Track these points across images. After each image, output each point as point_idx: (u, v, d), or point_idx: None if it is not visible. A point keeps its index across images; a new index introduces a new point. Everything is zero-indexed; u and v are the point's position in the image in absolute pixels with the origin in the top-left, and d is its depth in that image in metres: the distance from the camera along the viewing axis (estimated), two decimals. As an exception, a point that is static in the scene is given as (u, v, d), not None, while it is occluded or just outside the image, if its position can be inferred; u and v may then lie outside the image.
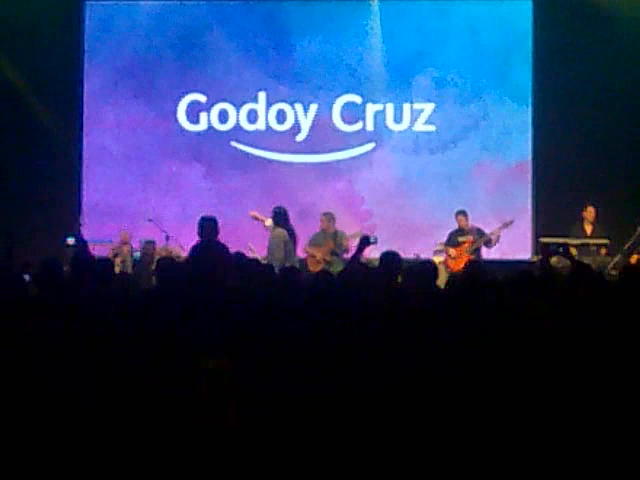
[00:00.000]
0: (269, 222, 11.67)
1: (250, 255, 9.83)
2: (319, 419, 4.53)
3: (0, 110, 13.91)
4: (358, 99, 14.18)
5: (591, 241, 12.44)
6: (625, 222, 12.56)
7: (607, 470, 4.44)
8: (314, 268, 11.95)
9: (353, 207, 14.05)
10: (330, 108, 14.16)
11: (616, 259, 12.01)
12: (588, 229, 12.76)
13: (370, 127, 14.19)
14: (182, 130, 14.34)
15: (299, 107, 14.23)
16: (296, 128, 14.24)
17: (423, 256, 12.51)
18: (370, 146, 14.20)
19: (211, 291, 6.37)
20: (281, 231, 11.47)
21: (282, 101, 14.23)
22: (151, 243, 12.89)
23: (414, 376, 4.80)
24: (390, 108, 14.16)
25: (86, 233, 13.32)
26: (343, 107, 14.18)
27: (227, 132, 14.30)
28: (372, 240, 8.27)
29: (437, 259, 12.83)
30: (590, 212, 12.79)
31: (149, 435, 4.33)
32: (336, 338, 5.09)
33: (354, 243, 12.10)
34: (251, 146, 14.29)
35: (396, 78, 14.11)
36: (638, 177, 13.34)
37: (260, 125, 14.29)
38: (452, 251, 12.66)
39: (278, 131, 14.25)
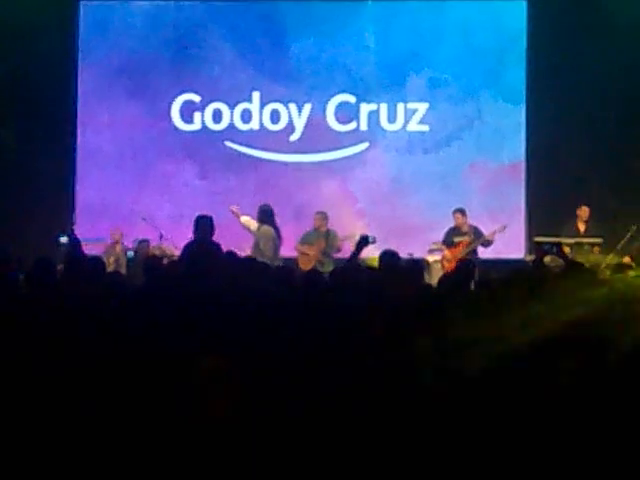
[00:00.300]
0: (245, 219, 11.67)
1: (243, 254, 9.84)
2: (316, 418, 4.53)
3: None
4: (352, 99, 14.18)
5: (584, 240, 12.48)
6: (618, 221, 12.59)
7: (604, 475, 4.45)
8: (305, 266, 11.95)
9: (347, 206, 14.05)
10: (324, 108, 14.17)
11: (609, 258, 12.03)
12: (581, 227, 12.80)
13: (364, 127, 14.19)
14: (176, 130, 14.34)
15: (293, 107, 14.24)
16: (290, 128, 14.24)
17: (417, 255, 12.54)
18: (364, 146, 14.21)
19: (203, 289, 6.36)
20: (269, 229, 11.49)
21: (276, 101, 14.23)
22: (145, 242, 12.88)
23: (407, 376, 4.80)
24: (384, 108, 14.17)
25: (79, 232, 13.28)
26: (337, 107, 14.18)
27: (221, 132, 14.31)
28: (371, 240, 8.28)
29: (431, 258, 12.87)
30: (584, 211, 12.83)
31: (143, 433, 4.33)
32: (331, 337, 5.10)
33: (348, 245, 12.15)
34: (245, 146, 14.29)
35: (390, 78, 14.12)
36: (632, 177, 13.36)
37: (254, 125, 14.30)
38: (447, 253, 12.68)
39: (272, 131, 14.26)
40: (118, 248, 13.04)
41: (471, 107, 14.06)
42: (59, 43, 14.00)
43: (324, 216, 12.79)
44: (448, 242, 12.83)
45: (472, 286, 8.06)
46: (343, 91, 14.20)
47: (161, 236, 12.71)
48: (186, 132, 14.34)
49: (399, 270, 6.64)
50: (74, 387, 4.67)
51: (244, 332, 5.32)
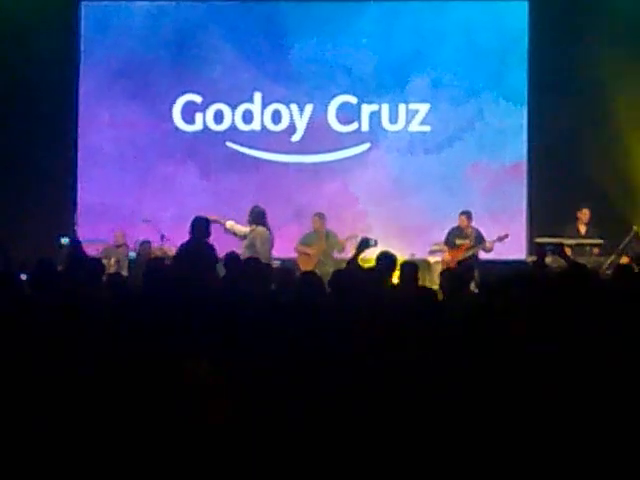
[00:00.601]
0: (230, 224, 11.61)
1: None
2: (314, 420, 4.53)
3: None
4: (353, 99, 14.18)
5: (585, 241, 12.47)
6: (619, 222, 12.59)
7: (605, 472, 4.45)
8: (306, 267, 11.96)
9: (348, 207, 14.04)
10: (325, 108, 14.16)
11: (610, 259, 12.04)
12: (582, 229, 12.79)
13: (365, 127, 14.19)
14: (177, 130, 14.34)
15: (294, 107, 14.23)
16: (291, 128, 14.23)
17: (418, 256, 12.55)
18: (365, 146, 14.20)
19: (195, 290, 6.36)
20: (264, 230, 11.46)
21: (277, 101, 14.22)
22: (147, 243, 12.88)
23: (405, 378, 4.80)
24: (385, 108, 14.16)
25: (81, 233, 13.32)
26: (338, 107, 14.17)
27: (222, 132, 14.30)
28: (372, 243, 8.28)
29: (432, 259, 12.87)
30: (585, 213, 12.82)
31: (135, 433, 4.34)
32: (330, 338, 5.10)
33: (349, 245, 12.16)
34: (246, 146, 14.28)
35: (391, 78, 14.11)
36: (633, 178, 13.35)
37: (255, 125, 14.29)
38: (447, 256, 12.67)
39: (273, 131, 14.25)
40: (120, 250, 13.04)
41: (473, 108, 14.05)
42: (60, 44, 13.99)
43: (322, 217, 12.80)
44: (449, 242, 12.82)
45: (473, 287, 8.08)
46: (344, 92, 14.19)
47: (162, 237, 12.69)
48: (187, 133, 14.34)
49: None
50: (74, 387, 4.67)
51: (241, 334, 5.32)
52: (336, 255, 12.54)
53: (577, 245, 12.25)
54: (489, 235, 12.79)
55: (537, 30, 13.78)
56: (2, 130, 13.79)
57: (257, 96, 14.24)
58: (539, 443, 4.47)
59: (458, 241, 12.78)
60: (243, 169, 14.23)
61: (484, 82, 14.02)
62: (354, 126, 14.19)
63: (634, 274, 7.21)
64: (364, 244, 8.18)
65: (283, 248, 12.86)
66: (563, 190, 13.31)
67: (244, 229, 11.63)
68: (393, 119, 14.15)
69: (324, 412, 4.56)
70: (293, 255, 12.68)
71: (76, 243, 10.29)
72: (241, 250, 10.80)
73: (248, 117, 14.26)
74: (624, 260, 11.88)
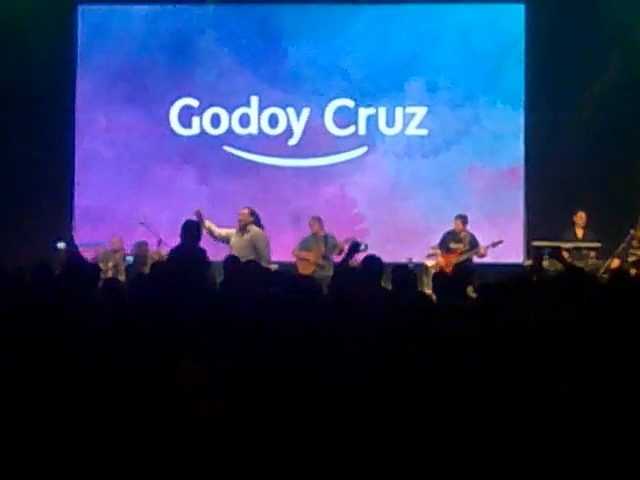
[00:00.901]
0: (209, 224, 11.49)
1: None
2: (304, 424, 4.52)
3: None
4: (350, 103, 14.18)
5: (583, 244, 12.48)
6: (617, 226, 12.59)
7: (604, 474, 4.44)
8: (305, 271, 11.95)
9: (345, 211, 14.06)
10: (322, 112, 14.17)
11: (608, 263, 12.04)
12: (579, 233, 12.79)
13: (362, 131, 14.19)
14: (174, 134, 14.34)
15: (291, 111, 14.23)
16: (288, 132, 14.24)
17: (416, 260, 12.55)
18: (362, 150, 14.20)
19: (186, 294, 6.34)
20: (262, 231, 11.44)
21: (274, 105, 14.23)
22: (143, 244, 12.90)
23: (401, 381, 4.79)
24: (382, 112, 14.17)
25: (78, 237, 13.31)
26: (335, 111, 14.18)
27: (219, 136, 14.31)
28: (362, 247, 8.27)
29: (430, 263, 12.86)
30: (581, 217, 12.83)
31: (130, 435, 4.34)
32: (323, 342, 5.09)
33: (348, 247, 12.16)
34: (243, 150, 14.29)
35: (388, 82, 14.12)
36: (631, 181, 13.36)
37: (252, 129, 14.29)
38: (441, 260, 12.68)
39: (270, 135, 14.25)
40: (117, 254, 13.03)
41: (470, 111, 14.06)
42: (57, 47, 13.99)
43: (319, 221, 12.79)
44: (443, 246, 12.81)
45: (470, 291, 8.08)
46: (341, 95, 14.19)
47: (160, 241, 12.68)
48: (184, 137, 14.34)
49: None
50: (69, 390, 4.67)
51: (237, 336, 5.31)
52: (335, 258, 12.53)
53: (574, 249, 12.25)
54: (485, 239, 12.80)
55: (534, 33, 13.79)
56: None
57: (254, 100, 14.24)
58: (537, 447, 4.47)
59: (452, 245, 12.78)
60: (240, 173, 14.23)
61: (481, 85, 14.04)
62: (351, 130, 14.19)
63: (630, 277, 7.21)
64: (354, 248, 8.17)
65: (281, 252, 12.86)
66: (560, 194, 13.31)
67: (224, 231, 11.54)
68: (390, 122, 14.16)
69: (321, 415, 4.55)
70: (290, 259, 12.67)
71: (72, 247, 10.29)
72: (241, 252, 10.74)
73: (245, 121, 14.26)
74: (615, 263, 11.91)
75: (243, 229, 11.43)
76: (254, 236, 11.34)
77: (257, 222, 11.50)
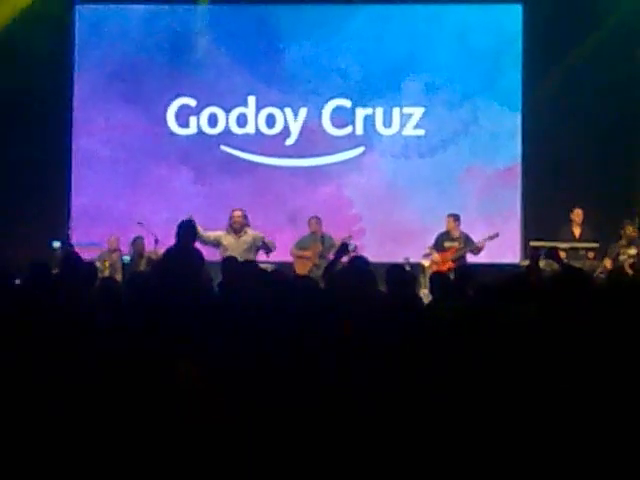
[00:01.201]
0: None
1: None
2: (301, 424, 4.53)
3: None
4: (348, 103, 14.18)
5: (580, 245, 12.48)
6: (614, 225, 12.60)
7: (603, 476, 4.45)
8: (302, 270, 11.96)
9: (342, 211, 14.06)
10: (320, 112, 14.17)
11: (603, 263, 12.05)
12: (577, 231, 12.79)
13: (360, 131, 14.19)
14: (172, 134, 14.33)
15: (289, 111, 14.23)
16: (286, 132, 14.24)
17: (412, 260, 12.55)
18: (359, 150, 14.20)
19: (182, 294, 6.34)
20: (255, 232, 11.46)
21: (272, 105, 14.23)
22: (139, 239, 12.91)
23: (399, 382, 4.79)
24: (379, 112, 14.17)
25: (75, 237, 13.33)
26: (333, 111, 14.18)
27: (217, 136, 14.30)
28: (351, 248, 8.26)
29: (426, 263, 12.86)
30: (578, 214, 12.83)
31: (127, 435, 4.34)
32: (320, 341, 5.09)
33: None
34: (241, 150, 14.28)
35: (385, 82, 14.12)
36: (628, 180, 13.37)
37: (250, 129, 14.29)
38: (436, 257, 12.66)
39: (268, 135, 14.25)
40: (114, 254, 13.03)
41: (467, 111, 14.06)
42: (55, 47, 13.97)
43: (318, 220, 12.81)
44: (438, 247, 12.81)
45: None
46: (339, 95, 14.19)
47: (156, 241, 12.67)
48: (181, 136, 14.34)
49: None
50: (67, 390, 4.67)
51: (233, 337, 5.32)
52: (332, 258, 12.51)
53: (571, 249, 12.26)
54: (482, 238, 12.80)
55: (531, 33, 13.80)
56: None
57: (251, 100, 14.24)
58: (535, 447, 4.47)
59: (447, 244, 12.76)
60: (237, 173, 14.22)
61: (478, 86, 14.04)
62: (348, 130, 14.19)
63: (628, 278, 7.22)
64: (343, 249, 8.18)
65: (277, 252, 12.85)
66: (557, 194, 13.32)
67: (212, 234, 11.47)
68: (387, 123, 14.16)
69: (318, 415, 4.55)
70: (287, 259, 12.67)
71: (68, 246, 10.29)
72: (242, 254, 10.73)
73: (242, 121, 14.26)
74: (608, 263, 11.92)
75: (239, 231, 11.41)
76: (257, 238, 11.37)
77: (248, 223, 11.53)
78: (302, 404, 4.58)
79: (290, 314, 5.53)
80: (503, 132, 14.01)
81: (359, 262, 7.17)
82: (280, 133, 14.24)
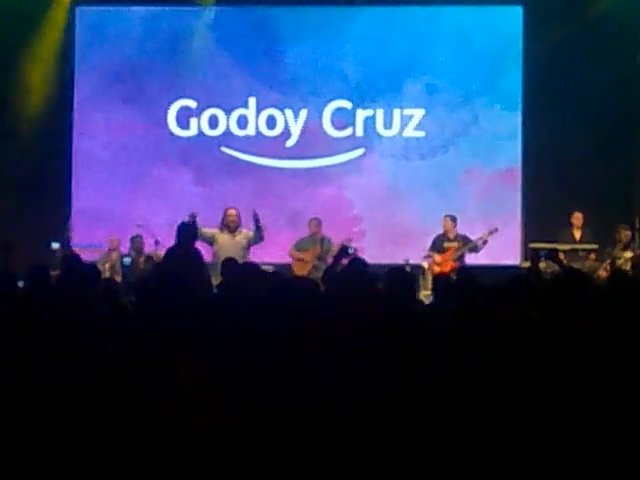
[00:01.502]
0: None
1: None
2: (301, 427, 4.52)
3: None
4: (348, 105, 14.18)
5: (580, 246, 12.49)
6: (615, 227, 12.60)
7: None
8: (300, 272, 11.97)
9: (343, 212, 14.06)
10: (320, 114, 14.16)
11: (605, 264, 12.06)
12: (577, 234, 12.80)
13: (360, 133, 14.19)
14: (172, 135, 14.33)
15: (289, 113, 14.23)
16: (286, 133, 14.24)
17: (412, 261, 12.54)
18: (360, 152, 14.20)
19: (183, 295, 6.34)
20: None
21: (272, 107, 14.22)
22: (138, 237, 12.96)
23: (400, 383, 4.79)
24: (380, 114, 14.17)
25: (75, 238, 13.32)
26: (333, 113, 14.18)
27: (217, 137, 14.30)
28: (350, 251, 8.28)
29: (427, 264, 12.85)
30: (577, 218, 12.84)
31: (127, 439, 4.34)
32: (319, 342, 5.09)
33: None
34: (241, 151, 14.28)
35: (386, 84, 14.12)
36: (628, 182, 13.37)
37: (250, 131, 14.29)
38: (437, 257, 12.67)
39: (268, 136, 14.25)
40: (114, 255, 13.03)
41: (467, 113, 14.06)
42: (55, 48, 13.98)
43: (318, 222, 12.81)
44: (437, 248, 12.81)
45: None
46: (339, 97, 14.19)
47: (157, 242, 12.68)
48: (182, 138, 14.34)
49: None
50: (68, 392, 4.67)
51: (233, 339, 5.31)
52: (330, 260, 12.51)
53: (571, 250, 12.26)
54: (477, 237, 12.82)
55: (531, 35, 13.79)
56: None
57: (252, 101, 14.24)
58: (535, 447, 4.47)
59: (446, 244, 12.77)
60: (238, 174, 14.22)
61: (479, 87, 14.04)
62: (349, 131, 14.19)
63: (629, 279, 7.21)
64: (343, 252, 8.19)
65: (277, 253, 12.87)
66: (557, 195, 13.31)
67: (209, 231, 11.47)
68: (388, 124, 14.16)
69: (318, 416, 4.55)
70: (286, 260, 12.67)
71: (67, 248, 10.29)
72: (237, 253, 10.72)
73: (243, 122, 14.26)
74: (607, 266, 11.93)
75: (234, 230, 11.40)
76: (249, 236, 11.38)
77: (241, 223, 11.55)
78: (302, 405, 4.58)
79: (290, 315, 5.53)
80: (503, 134, 14.01)
81: (357, 264, 7.17)
82: (280, 134, 14.23)
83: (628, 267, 11.80)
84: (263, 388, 4.67)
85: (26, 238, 13.01)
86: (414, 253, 12.90)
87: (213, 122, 14.28)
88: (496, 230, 12.67)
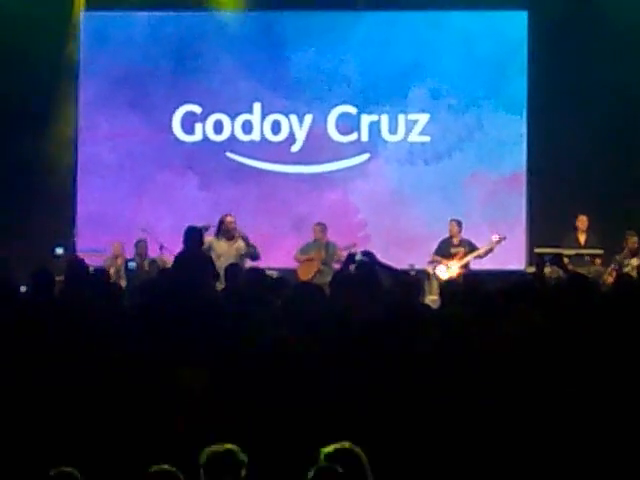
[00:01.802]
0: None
1: None
2: (302, 428, 4.53)
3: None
4: (353, 110, 14.18)
5: (585, 251, 12.46)
6: (620, 231, 12.58)
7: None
8: (305, 276, 11.97)
9: (348, 217, 14.04)
10: (325, 119, 14.16)
11: (610, 269, 12.03)
12: (582, 238, 12.77)
13: (365, 138, 14.19)
14: (177, 141, 14.33)
15: (294, 118, 14.22)
16: (291, 139, 14.23)
17: (418, 267, 12.54)
18: (365, 157, 14.19)
19: (192, 300, 6.35)
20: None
21: (277, 112, 14.22)
22: (142, 241, 12.96)
23: (406, 387, 4.79)
24: (385, 119, 14.16)
25: (80, 243, 13.33)
26: (338, 118, 14.18)
27: (222, 143, 14.30)
28: (357, 258, 8.31)
29: (432, 270, 12.85)
30: (582, 221, 12.82)
31: (131, 438, 4.35)
32: (324, 347, 5.10)
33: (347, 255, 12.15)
34: (246, 157, 14.28)
35: (391, 89, 14.11)
36: (634, 187, 13.35)
37: (255, 136, 14.29)
38: (445, 263, 12.65)
39: (273, 142, 14.25)
40: (119, 260, 13.03)
41: (472, 118, 14.05)
42: (61, 54, 13.99)
43: (323, 227, 12.82)
44: (442, 253, 12.80)
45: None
46: (344, 102, 14.19)
47: (161, 247, 12.69)
48: (187, 143, 14.34)
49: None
50: (72, 393, 4.68)
51: (239, 342, 5.32)
52: (336, 266, 12.51)
53: (576, 255, 12.24)
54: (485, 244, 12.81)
55: (536, 40, 13.78)
56: (1, 139, 13.76)
57: (257, 106, 14.24)
58: (539, 450, 4.46)
59: (453, 250, 12.78)
60: (242, 179, 14.22)
61: (483, 92, 14.03)
62: (354, 136, 14.19)
63: (634, 284, 7.20)
64: (350, 259, 8.22)
65: (281, 259, 12.87)
66: (562, 200, 13.29)
67: (206, 240, 11.39)
68: (393, 129, 14.15)
69: (320, 419, 4.55)
70: (291, 266, 12.67)
71: (71, 253, 10.29)
72: (237, 260, 10.70)
73: (248, 127, 14.26)
74: (612, 273, 11.89)
75: (232, 237, 11.33)
76: (245, 246, 11.31)
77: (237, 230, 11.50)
78: (304, 406, 4.58)
79: (295, 319, 5.54)
80: (508, 138, 14.00)
81: (365, 269, 7.18)
82: (285, 140, 14.23)
83: (634, 274, 11.77)
84: (264, 388, 4.68)
85: (31, 243, 13.03)
86: (419, 258, 12.90)
87: (218, 127, 14.28)
88: (504, 238, 12.67)
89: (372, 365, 4.96)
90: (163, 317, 5.68)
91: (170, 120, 14.29)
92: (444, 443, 4.50)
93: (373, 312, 5.92)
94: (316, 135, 14.17)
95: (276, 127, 14.25)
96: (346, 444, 3.86)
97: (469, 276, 10.28)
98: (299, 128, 14.22)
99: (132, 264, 13.03)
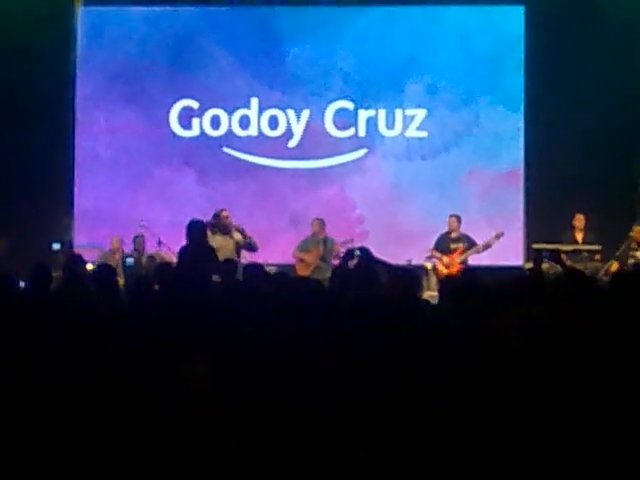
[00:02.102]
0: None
1: None
2: (304, 427, 4.52)
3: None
4: (350, 105, 14.18)
5: (583, 247, 12.46)
6: (617, 228, 12.59)
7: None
8: (303, 273, 11.97)
9: (345, 213, 14.05)
10: (322, 114, 14.16)
11: (607, 265, 12.04)
12: (579, 236, 12.77)
13: (362, 133, 14.19)
14: (174, 136, 14.32)
15: (291, 113, 14.22)
16: (288, 134, 14.23)
17: (415, 262, 12.54)
18: (362, 152, 14.20)
19: (198, 294, 6.36)
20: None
21: (274, 107, 14.22)
22: (140, 237, 12.96)
23: (403, 386, 4.79)
24: (382, 114, 14.17)
25: (77, 239, 13.33)
26: (335, 113, 14.18)
27: (219, 138, 14.29)
28: (356, 254, 8.31)
29: (429, 265, 12.86)
30: (579, 220, 12.82)
31: (131, 437, 4.34)
32: (323, 342, 5.09)
33: (344, 250, 12.16)
34: (243, 152, 14.28)
35: (388, 84, 14.12)
36: (630, 183, 13.36)
37: (252, 131, 14.28)
38: (445, 259, 12.66)
39: (270, 137, 14.24)
40: (117, 255, 13.03)
41: (469, 113, 14.06)
42: (57, 49, 13.97)
43: (321, 222, 12.81)
44: (442, 248, 12.81)
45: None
46: (341, 97, 14.19)
47: (159, 242, 12.70)
48: (184, 138, 14.33)
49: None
50: (72, 391, 4.67)
51: (239, 339, 5.31)
52: (334, 261, 12.52)
53: (575, 251, 12.24)
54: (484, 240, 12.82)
55: (533, 35, 13.79)
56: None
57: (254, 101, 14.24)
58: (537, 450, 4.46)
59: (452, 245, 12.79)
60: (240, 174, 14.22)
61: (481, 88, 14.03)
62: (351, 132, 14.19)
63: (633, 280, 7.20)
64: (348, 255, 8.22)
65: (280, 254, 12.87)
66: (560, 196, 13.31)
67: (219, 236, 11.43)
68: (390, 125, 14.16)
69: (321, 417, 4.55)
70: (289, 261, 12.67)
71: (68, 248, 10.28)
72: (233, 255, 10.72)
73: (245, 122, 14.25)
74: (613, 267, 11.90)
75: (228, 232, 11.34)
76: (240, 239, 11.32)
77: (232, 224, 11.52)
78: (305, 405, 4.58)
79: (294, 315, 5.53)
80: (506, 134, 14.01)
81: (365, 264, 7.18)
82: (283, 135, 14.23)
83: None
84: (265, 388, 4.68)
85: (28, 239, 13.03)
86: (417, 253, 12.90)
87: (215, 122, 14.28)
88: (502, 234, 12.68)
89: (371, 360, 4.96)
90: (164, 312, 5.69)
91: (167, 115, 14.29)
92: (444, 439, 4.50)
93: (372, 307, 5.91)
94: (313, 130, 14.17)
95: (273, 122, 14.25)
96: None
97: (467, 272, 10.30)
98: (296, 123, 14.22)
99: (130, 260, 13.02)
